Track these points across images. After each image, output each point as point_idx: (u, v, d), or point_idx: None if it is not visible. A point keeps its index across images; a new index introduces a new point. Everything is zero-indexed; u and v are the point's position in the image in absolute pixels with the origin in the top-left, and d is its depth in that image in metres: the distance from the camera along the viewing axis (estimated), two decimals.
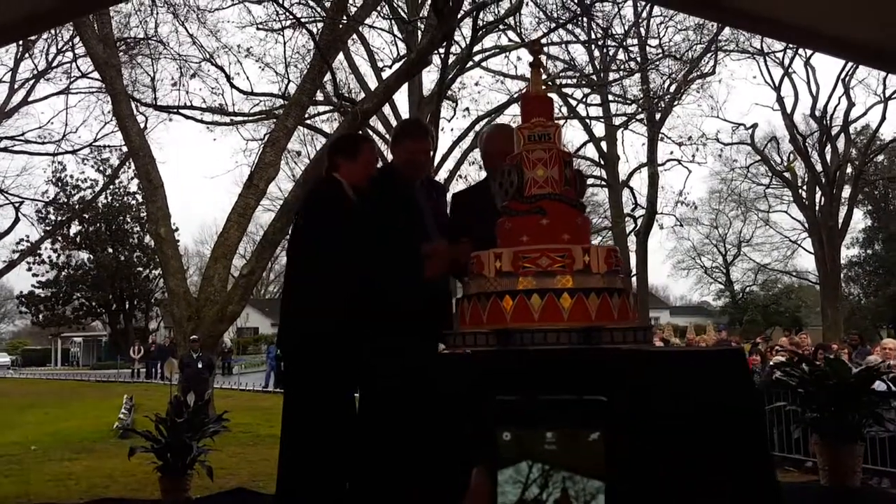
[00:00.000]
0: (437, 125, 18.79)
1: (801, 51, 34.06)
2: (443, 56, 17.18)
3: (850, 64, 32.08)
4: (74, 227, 51.25)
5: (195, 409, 8.41)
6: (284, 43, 29.23)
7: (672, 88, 29.77)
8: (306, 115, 19.30)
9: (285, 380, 4.61)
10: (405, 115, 23.22)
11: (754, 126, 38.24)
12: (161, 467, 7.77)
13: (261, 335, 57.12)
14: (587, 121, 32.81)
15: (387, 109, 23.47)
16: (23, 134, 31.51)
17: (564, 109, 30.02)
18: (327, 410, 4.42)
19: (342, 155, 4.84)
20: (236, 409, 15.94)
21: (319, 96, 20.14)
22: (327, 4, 16.93)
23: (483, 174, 5.01)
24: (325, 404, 4.43)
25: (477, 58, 23.96)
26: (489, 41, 26.92)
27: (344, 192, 4.70)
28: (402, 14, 21.93)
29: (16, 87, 31.36)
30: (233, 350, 46.49)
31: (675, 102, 30.85)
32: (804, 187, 38.99)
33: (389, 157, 5.27)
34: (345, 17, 16.25)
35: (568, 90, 28.63)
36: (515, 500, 0.76)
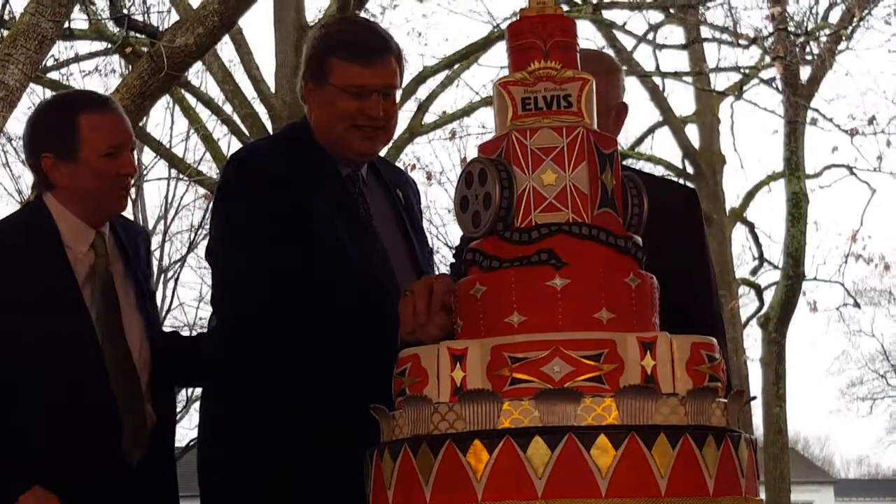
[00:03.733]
0: None
1: None
2: None
3: None
4: None
5: None
6: None
7: (836, 15, 15.45)
8: (51, 60, 11.45)
9: None
10: (264, 59, 12.93)
11: None
12: None
13: None
14: (656, 80, 15.94)
15: (228, 52, 13.03)
16: None
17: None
18: None
19: (50, 150, 2.79)
20: None
21: (79, 21, 11.22)
22: None
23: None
24: None
25: None
26: None
27: (48, 236, 2.75)
28: None
29: None
30: None
31: (843, 44, 15.68)
32: None
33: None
34: None
35: (615, 14, 14.72)
36: None
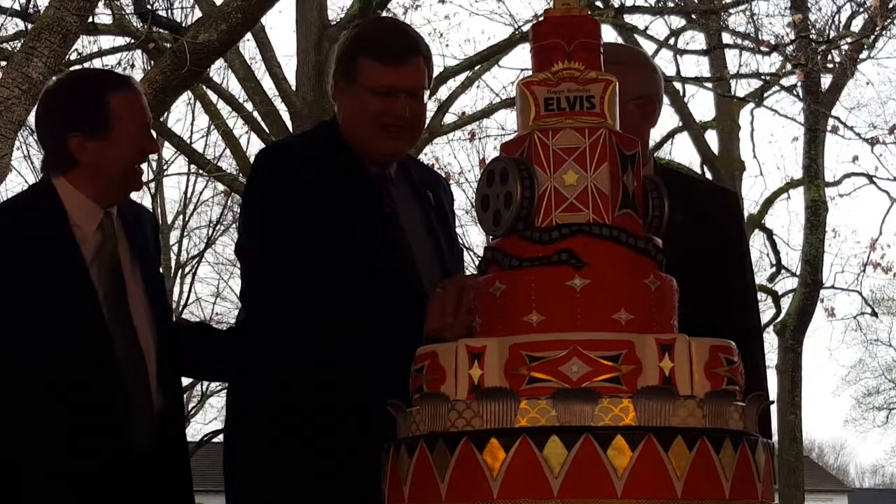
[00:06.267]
0: None
1: None
2: None
3: None
4: None
5: None
6: None
7: (858, 24, 15.01)
8: (75, 54, 10.83)
9: None
10: (286, 57, 13.05)
11: None
12: None
13: None
14: (677, 85, 15.52)
15: (250, 50, 13.61)
16: None
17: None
18: None
19: (79, 129, 2.69)
20: None
21: (103, 16, 10.87)
22: None
23: None
24: None
25: None
26: None
27: (55, 215, 2.67)
28: None
29: None
30: None
31: (864, 52, 15.36)
32: None
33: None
34: None
35: (636, 19, 14.43)
36: None
